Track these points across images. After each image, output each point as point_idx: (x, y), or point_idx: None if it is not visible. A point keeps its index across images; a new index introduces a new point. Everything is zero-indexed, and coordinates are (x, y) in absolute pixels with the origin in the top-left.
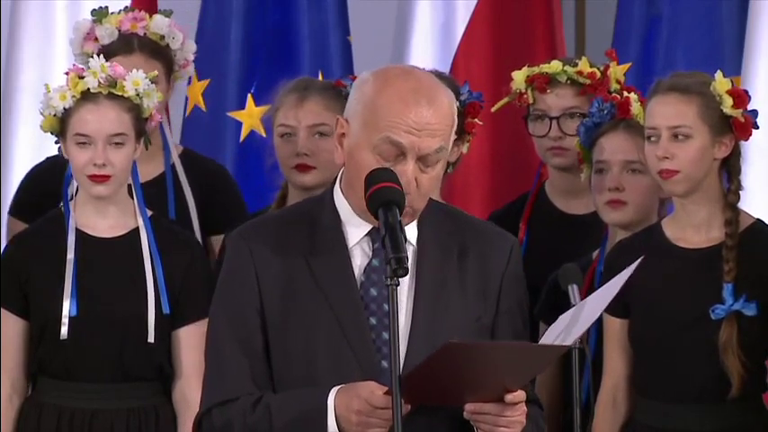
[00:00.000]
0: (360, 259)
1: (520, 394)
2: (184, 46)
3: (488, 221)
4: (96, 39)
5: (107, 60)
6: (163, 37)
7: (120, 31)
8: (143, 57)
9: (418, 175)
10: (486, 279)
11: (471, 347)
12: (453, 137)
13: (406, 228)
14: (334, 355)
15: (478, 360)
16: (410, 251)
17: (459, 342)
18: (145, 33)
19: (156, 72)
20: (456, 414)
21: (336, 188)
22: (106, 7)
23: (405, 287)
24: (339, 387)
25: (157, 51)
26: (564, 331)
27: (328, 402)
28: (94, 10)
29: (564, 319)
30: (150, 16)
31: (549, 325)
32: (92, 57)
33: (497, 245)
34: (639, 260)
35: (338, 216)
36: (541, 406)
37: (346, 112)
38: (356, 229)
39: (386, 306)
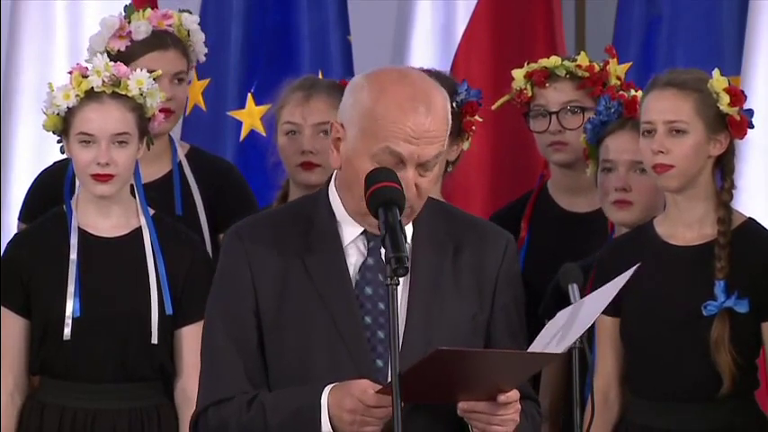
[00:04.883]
0: (355, 258)
1: (513, 394)
2: (200, 47)
3: (485, 219)
4: (123, 36)
5: (140, 57)
6: (188, 35)
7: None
8: (177, 53)
9: (418, 180)
10: (482, 276)
11: (460, 354)
12: (447, 137)
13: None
14: (329, 354)
15: (468, 366)
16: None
17: (448, 349)
18: (172, 31)
19: (160, 71)
20: (452, 412)
21: (331, 187)
22: (131, 4)
23: (400, 285)
24: (332, 385)
25: (186, 49)
26: (560, 332)
27: (322, 401)
28: (126, 6)
29: (560, 317)
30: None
31: None
32: (117, 53)
33: (492, 242)
34: (635, 267)
35: (333, 215)
36: (537, 401)
37: (341, 116)
38: (351, 228)
39: (381, 305)
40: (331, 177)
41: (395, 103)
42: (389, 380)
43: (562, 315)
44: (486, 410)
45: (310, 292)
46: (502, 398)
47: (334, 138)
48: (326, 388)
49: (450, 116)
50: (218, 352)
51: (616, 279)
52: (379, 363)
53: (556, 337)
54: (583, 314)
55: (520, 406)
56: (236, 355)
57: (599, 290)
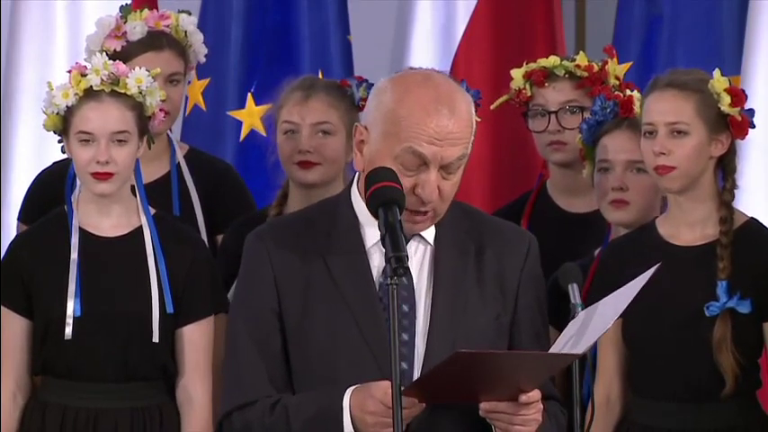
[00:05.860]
0: (378, 260)
1: (534, 394)
2: (199, 48)
3: (506, 220)
4: (119, 36)
5: (135, 57)
6: (185, 36)
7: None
8: (173, 54)
9: (441, 183)
10: (504, 277)
11: (479, 357)
12: (472, 139)
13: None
14: (353, 356)
15: (488, 368)
16: (428, 250)
17: (468, 352)
18: (168, 32)
19: (158, 70)
20: (471, 411)
21: (354, 189)
22: (129, 4)
23: (423, 286)
24: (354, 387)
25: (183, 50)
26: (575, 335)
27: (343, 403)
28: (122, 6)
29: (576, 322)
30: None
31: (551, 323)
32: (113, 53)
33: (515, 243)
34: (655, 267)
35: (356, 217)
36: (561, 401)
37: (365, 119)
38: (374, 230)
39: (404, 307)
40: (353, 180)
41: (418, 105)
42: (414, 379)
43: (576, 321)
44: (508, 410)
45: (333, 294)
46: (523, 398)
47: (357, 140)
48: (348, 390)
49: (474, 119)
50: (242, 356)
51: (633, 281)
52: (404, 365)
53: (571, 340)
54: (598, 318)
55: (542, 406)
56: (259, 358)
57: (616, 292)
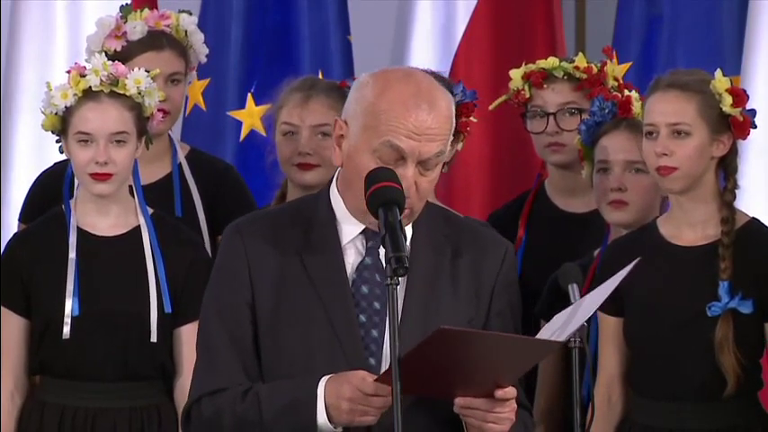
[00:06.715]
0: (353, 257)
1: (510, 391)
2: (200, 48)
3: (484, 225)
4: (119, 36)
5: (135, 57)
6: (186, 35)
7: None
8: (173, 54)
9: (418, 179)
10: (479, 282)
11: (463, 334)
12: (451, 138)
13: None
14: (323, 351)
15: (470, 348)
16: None
17: (452, 328)
18: (169, 32)
19: (158, 70)
20: (448, 411)
21: (333, 187)
22: (129, 4)
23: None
24: (329, 376)
25: (183, 50)
26: (560, 328)
27: (318, 391)
28: (122, 6)
29: (561, 316)
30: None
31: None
32: (113, 53)
33: (491, 249)
34: (635, 261)
35: (333, 214)
36: (531, 412)
37: (345, 114)
38: (351, 227)
39: (376, 304)
40: (333, 177)
41: (398, 100)
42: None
43: (561, 315)
44: (483, 407)
45: (307, 290)
46: (499, 393)
47: (336, 135)
48: (323, 379)
49: (453, 117)
50: (214, 344)
51: (614, 276)
52: (372, 361)
53: (555, 333)
54: (582, 310)
55: (516, 406)
56: (231, 347)
57: (598, 288)
